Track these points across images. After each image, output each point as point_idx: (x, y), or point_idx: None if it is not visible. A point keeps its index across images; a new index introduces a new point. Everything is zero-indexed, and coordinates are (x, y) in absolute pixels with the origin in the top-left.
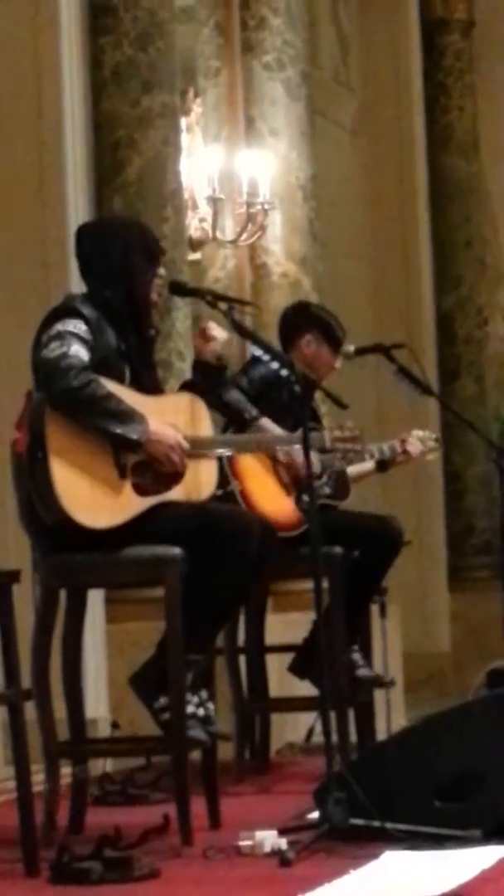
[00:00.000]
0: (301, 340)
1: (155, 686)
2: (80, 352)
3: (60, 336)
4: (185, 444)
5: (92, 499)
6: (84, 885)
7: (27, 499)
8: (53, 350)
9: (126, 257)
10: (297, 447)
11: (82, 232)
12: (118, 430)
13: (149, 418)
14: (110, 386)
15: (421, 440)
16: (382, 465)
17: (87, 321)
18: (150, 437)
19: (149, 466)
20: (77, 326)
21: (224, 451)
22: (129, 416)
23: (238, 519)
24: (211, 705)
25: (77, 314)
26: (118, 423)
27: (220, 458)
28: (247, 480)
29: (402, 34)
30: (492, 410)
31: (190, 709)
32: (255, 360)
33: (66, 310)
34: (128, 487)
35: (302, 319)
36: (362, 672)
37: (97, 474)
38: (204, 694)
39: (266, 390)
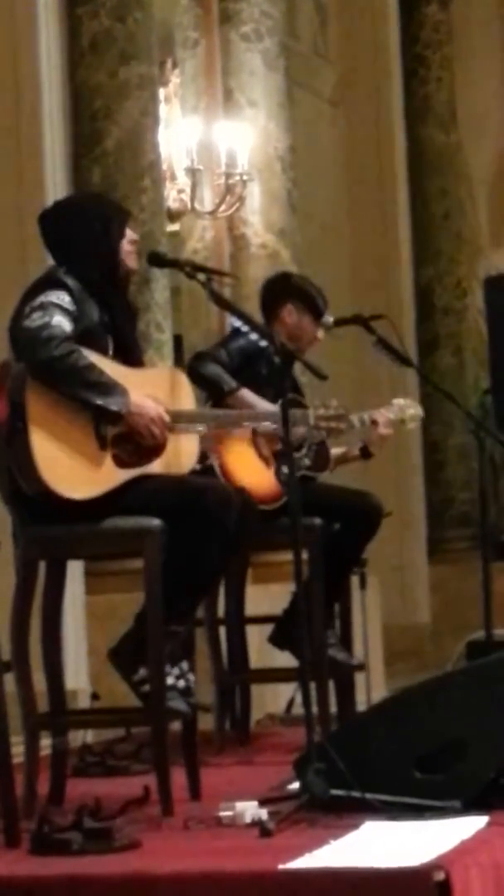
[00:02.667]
0: (283, 310)
1: (133, 658)
2: (62, 322)
3: (43, 307)
4: (167, 417)
5: (72, 470)
6: (64, 855)
7: (6, 469)
8: (35, 320)
9: (91, 229)
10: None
11: (43, 220)
12: (99, 402)
13: (130, 391)
14: (93, 357)
15: (401, 408)
16: (365, 453)
17: (70, 292)
18: (130, 410)
19: (129, 439)
20: (60, 297)
21: (203, 429)
22: (110, 387)
23: (217, 491)
24: (191, 676)
25: (61, 285)
26: (99, 394)
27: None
28: (226, 454)
29: (380, 5)
30: (470, 382)
31: (170, 680)
32: (235, 333)
33: (51, 280)
34: (108, 459)
35: (283, 289)
36: (333, 652)
37: (77, 446)
38: (184, 665)
39: (245, 362)
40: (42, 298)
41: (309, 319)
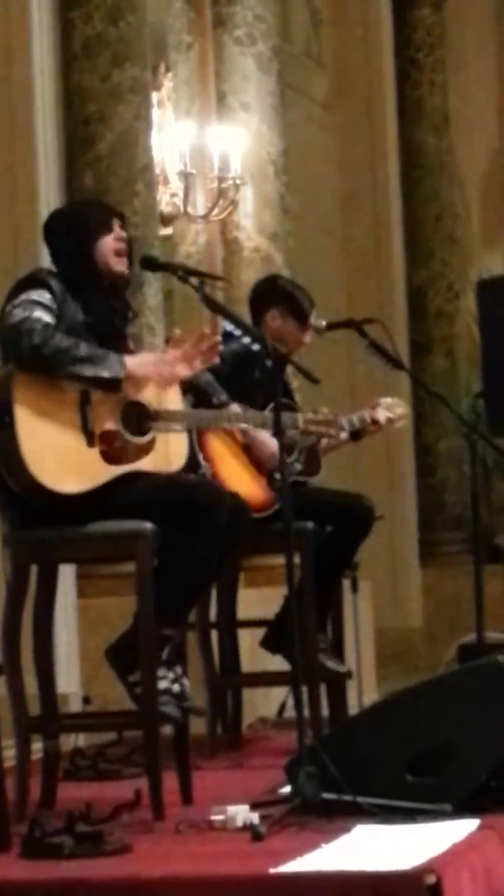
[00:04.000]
0: (267, 315)
1: (130, 659)
2: (42, 316)
3: (23, 304)
4: (172, 354)
5: (60, 465)
6: (55, 859)
7: None
8: (15, 317)
9: (73, 227)
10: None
11: (47, 220)
12: (89, 374)
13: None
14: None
15: (388, 407)
16: (354, 434)
17: (51, 291)
18: (127, 371)
19: (117, 435)
20: (41, 295)
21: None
22: (99, 357)
23: (207, 491)
24: (186, 681)
25: (42, 284)
26: (91, 365)
27: (191, 441)
28: (218, 463)
29: (373, 9)
30: (463, 385)
31: (164, 684)
32: (226, 336)
33: (32, 280)
34: (96, 455)
35: (268, 294)
36: (323, 659)
37: (66, 442)
38: (178, 669)
39: (238, 366)
40: (23, 297)
41: (293, 323)
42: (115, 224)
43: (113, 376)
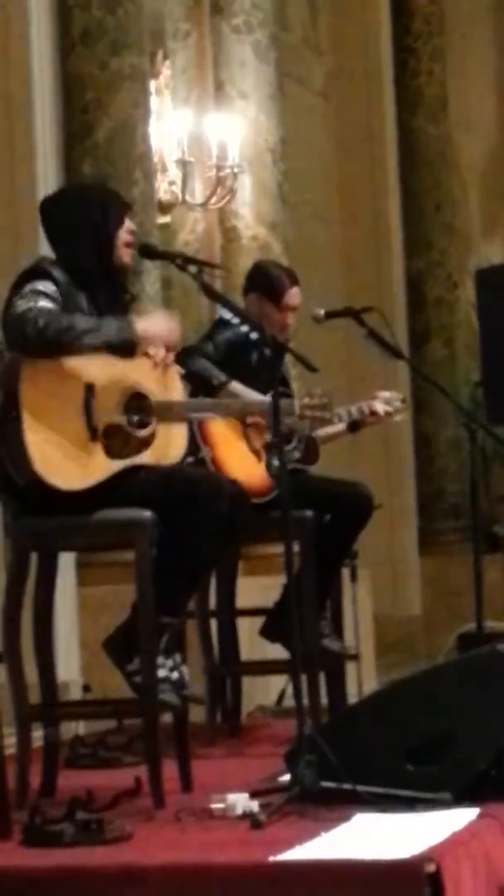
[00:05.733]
0: (246, 300)
1: (128, 649)
2: (46, 305)
3: (27, 295)
4: (176, 326)
5: (64, 461)
6: (56, 847)
7: None
8: (19, 307)
9: (90, 217)
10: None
11: (46, 203)
12: (101, 340)
13: (118, 381)
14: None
15: (386, 401)
16: (353, 426)
17: (56, 283)
18: (140, 330)
19: (120, 429)
20: (45, 286)
21: (197, 416)
22: (101, 324)
23: (208, 481)
24: (185, 668)
25: (46, 275)
26: (95, 333)
27: (190, 425)
28: (218, 447)
29: None
30: (462, 374)
31: (163, 672)
32: (220, 324)
33: (36, 271)
34: (99, 449)
35: (248, 281)
36: (327, 642)
37: (70, 436)
38: (177, 657)
39: (232, 354)
40: (28, 287)
41: (271, 306)
42: (127, 215)
43: (124, 337)
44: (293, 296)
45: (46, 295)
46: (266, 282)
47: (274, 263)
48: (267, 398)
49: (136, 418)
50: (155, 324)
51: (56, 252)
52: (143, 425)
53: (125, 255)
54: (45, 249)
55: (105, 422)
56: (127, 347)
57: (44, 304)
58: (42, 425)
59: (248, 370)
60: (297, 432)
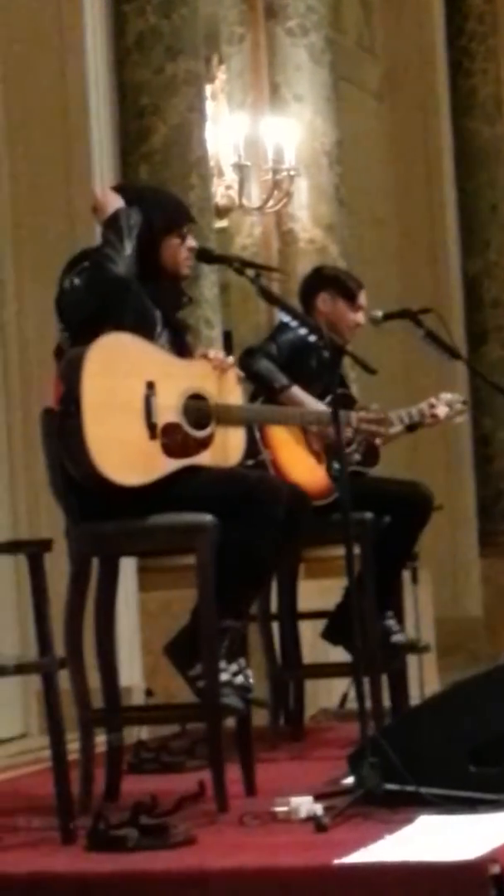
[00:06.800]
0: (317, 300)
1: (190, 654)
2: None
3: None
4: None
5: (123, 456)
6: (120, 851)
7: (57, 462)
8: (82, 278)
9: (153, 227)
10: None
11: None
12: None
13: (178, 382)
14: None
15: (448, 403)
16: (411, 427)
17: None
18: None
19: (179, 428)
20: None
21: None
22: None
23: (265, 484)
24: (249, 672)
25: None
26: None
27: (250, 428)
28: (278, 450)
29: None
30: None
31: (226, 676)
32: (283, 327)
33: (89, 254)
34: (158, 448)
35: (314, 281)
36: (396, 638)
37: (129, 433)
38: (242, 661)
39: (295, 356)
40: (85, 264)
41: (343, 304)
42: (190, 229)
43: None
44: (364, 296)
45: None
46: (339, 282)
47: (337, 268)
48: (326, 409)
49: (194, 419)
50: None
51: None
52: (201, 426)
53: (184, 268)
54: None
55: (164, 420)
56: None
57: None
58: (102, 420)
59: (308, 374)
60: (359, 435)
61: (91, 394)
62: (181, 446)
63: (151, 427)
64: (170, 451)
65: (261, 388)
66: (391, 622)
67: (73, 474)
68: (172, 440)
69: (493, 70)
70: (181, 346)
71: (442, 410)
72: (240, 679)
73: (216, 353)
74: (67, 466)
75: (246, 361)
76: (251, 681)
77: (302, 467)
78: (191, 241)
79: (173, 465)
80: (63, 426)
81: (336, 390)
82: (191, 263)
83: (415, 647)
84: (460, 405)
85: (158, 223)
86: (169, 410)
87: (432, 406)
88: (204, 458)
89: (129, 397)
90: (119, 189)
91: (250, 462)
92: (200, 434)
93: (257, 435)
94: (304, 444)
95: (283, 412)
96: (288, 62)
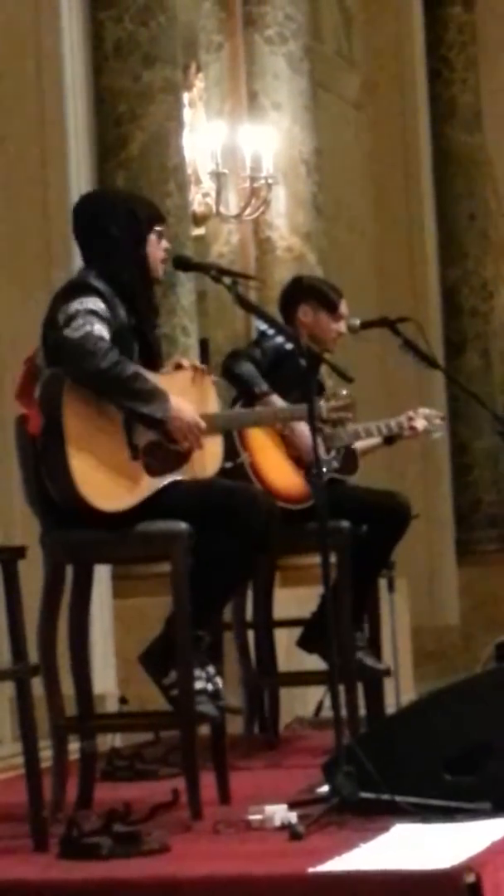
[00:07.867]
0: (298, 311)
1: (163, 662)
2: (102, 331)
3: (81, 314)
4: (202, 425)
5: (107, 482)
6: (93, 859)
7: (31, 472)
8: (76, 330)
9: (127, 228)
10: (302, 424)
11: (81, 208)
12: (144, 410)
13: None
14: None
15: (427, 418)
16: (389, 439)
17: (103, 297)
18: (172, 415)
19: (160, 446)
20: (96, 304)
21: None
22: (153, 395)
23: (243, 494)
24: (219, 680)
25: (94, 291)
26: (143, 402)
27: (228, 433)
28: (257, 453)
29: (404, 7)
30: (498, 383)
31: (199, 684)
32: (262, 336)
33: (83, 286)
34: (140, 468)
35: (295, 292)
36: (362, 656)
37: (112, 457)
38: (212, 669)
39: (278, 362)
40: (77, 306)
41: (325, 315)
42: (162, 229)
43: (161, 417)
44: (344, 305)
45: (98, 315)
46: (320, 293)
47: (317, 278)
48: (299, 406)
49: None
50: (186, 414)
51: (91, 259)
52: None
53: (159, 269)
54: (79, 260)
55: (145, 439)
56: (155, 426)
57: (99, 328)
58: (85, 447)
59: (289, 379)
60: (336, 442)
61: (72, 421)
62: (163, 462)
63: (133, 448)
64: (152, 470)
65: (241, 392)
66: (359, 635)
67: (57, 500)
68: (154, 458)
69: (473, 79)
70: (151, 356)
71: (420, 423)
72: (211, 686)
73: (190, 361)
74: (50, 490)
75: (229, 363)
76: (221, 688)
77: (280, 471)
78: (165, 242)
79: (156, 484)
80: (45, 455)
81: (313, 398)
82: (165, 266)
83: (376, 671)
84: (438, 420)
85: (142, 214)
86: (148, 429)
87: (410, 419)
88: (182, 471)
89: (110, 420)
90: (95, 195)
91: (229, 465)
92: (180, 447)
93: (236, 438)
94: (283, 448)
95: (258, 414)
96: (266, 70)
